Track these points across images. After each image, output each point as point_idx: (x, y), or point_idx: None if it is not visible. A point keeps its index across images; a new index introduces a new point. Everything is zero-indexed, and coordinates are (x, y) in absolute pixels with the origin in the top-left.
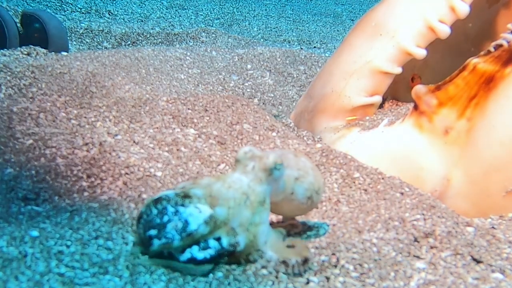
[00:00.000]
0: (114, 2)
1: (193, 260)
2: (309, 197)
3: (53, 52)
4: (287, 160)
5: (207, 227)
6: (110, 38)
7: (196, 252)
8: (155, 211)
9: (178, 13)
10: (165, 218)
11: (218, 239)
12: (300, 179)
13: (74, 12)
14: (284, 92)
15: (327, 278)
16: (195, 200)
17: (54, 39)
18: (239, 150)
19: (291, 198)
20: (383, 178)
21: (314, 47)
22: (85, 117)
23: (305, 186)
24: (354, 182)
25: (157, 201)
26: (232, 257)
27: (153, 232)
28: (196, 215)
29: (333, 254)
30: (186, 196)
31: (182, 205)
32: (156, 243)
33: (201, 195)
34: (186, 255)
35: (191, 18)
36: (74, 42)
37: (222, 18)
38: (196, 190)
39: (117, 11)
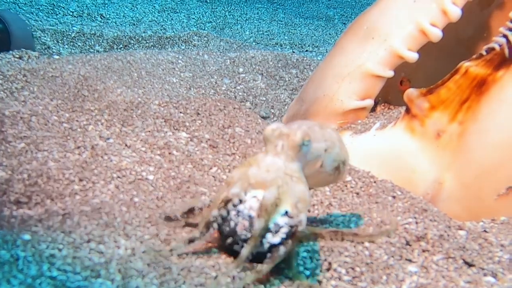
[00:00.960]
0: (106, 5)
1: (273, 247)
2: (337, 167)
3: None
4: (314, 133)
5: (268, 213)
6: (102, 42)
7: (271, 238)
8: (221, 222)
9: (170, 16)
10: (232, 224)
11: (284, 217)
12: (328, 151)
13: (66, 15)
14: (276, 96)
15: (319, 282)
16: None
17: (18, 40)
18: (266, 128)
19: (319, 171)
20: (375, 182)
21: (306, 50)
22: (77, 121)
23: (332, 157)
24: (346, 186)
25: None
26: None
27: (230, 241)
28: (256, 206)
29: (325, 258)
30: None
31: (240, 202)
32: (243, 251)
33: (238, 190)
34: (265, 246)
35: (183, 22)
36: (66, 46)
37: (214, 22)
38: (234, 189)
39: (109, 14)
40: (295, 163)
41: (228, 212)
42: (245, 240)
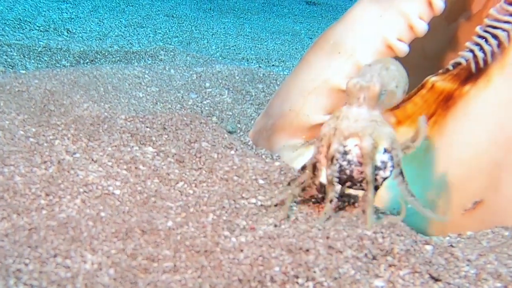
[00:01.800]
0: (73, 20)
1: (385, 179)
2: (404, 91)
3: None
4: (383, 78)
5: (371, 157)
6: (69, 56)
7: (383, 174)
8: (337, 174)
9: (137, 31)
10: (348, 172)
11: (385, 154)
12: (398, 85)
13: (32, 30)
14: (243, 110)
15: None
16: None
17: None
18: (348, 82)
19: (393, 102)
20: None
21: (273, 65)
22: (43, 135)
23: (401, 89)
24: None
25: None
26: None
27: (349, 185)
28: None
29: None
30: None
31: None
32: (369, 195)
33: (337, 146)
34: (380, 181)
35: (150, 36)
36: (33, 61)
37: (181, 37)
38: (335, 145)
39: (76, 29)
40: (376, 110)
41: (340, 166)
42: (361, 181)
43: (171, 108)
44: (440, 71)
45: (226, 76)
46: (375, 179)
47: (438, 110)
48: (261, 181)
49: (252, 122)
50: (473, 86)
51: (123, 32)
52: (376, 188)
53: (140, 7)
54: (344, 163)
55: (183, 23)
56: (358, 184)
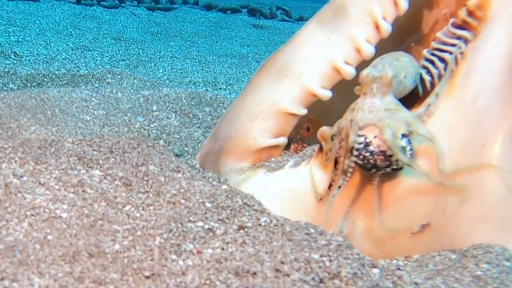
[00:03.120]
0: (20, 43)
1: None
2: (415, 80)
3: None
4: (395, 67)
5: (395, 146)
6: (16, 80)
7: (404, 157)
8: (362, 163)
9: (84, 54)
10: (372, 161)
11: (403, 139)
12: (407, 75)
13: None
14: (190, 134)
15: None
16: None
17: None
18: (361, 74)
19: (404, 91)
20: (289, 220)
21: (220, 88)
22: None
23: (411, 79)
24: (260, 224)
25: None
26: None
27: (374, 171)
28: (378, 142)
29: None
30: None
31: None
32: (404, 165)
33: (354, 137)
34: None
35: (97, 60)
36: None
37: (128, 60)
38: (354, 138)
39: (23, 52)
40: (388, 97)
41: (364, 157)
42: (386, 167)
43: (118, 131)
44: None
45: (173, 99)
46: (397, 163)
47: None
48: (208, 204)
49: (199, 145)
50: (419, 108)
51: (70, 55)
52: (397, 169)
53: (87, 30)
54: (367, 154)
55: (130, 46)
56: (383, 170)
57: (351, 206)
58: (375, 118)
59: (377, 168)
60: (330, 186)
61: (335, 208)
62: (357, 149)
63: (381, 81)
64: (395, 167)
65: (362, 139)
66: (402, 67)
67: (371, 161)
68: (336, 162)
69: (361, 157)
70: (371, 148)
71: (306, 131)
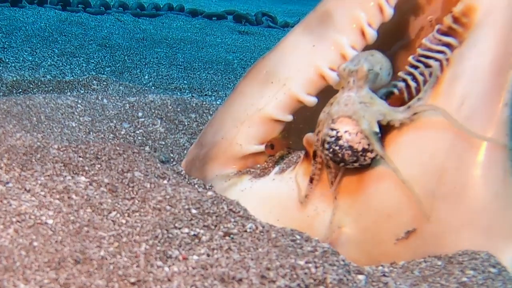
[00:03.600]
0: (5, 50)
1: (373, 159)
2: (389, 73)
3: None
4: (370, 62)
5: (371, 135)
6: (1, 86)
7: (370, 155)
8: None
9: (70, 60)
10: (340, 155)
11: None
12: (382, 68)
13: None
14: (175, 140)
15: None
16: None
17: None
18: (338, 68)
19: (380, 84)
20: (275, 226)
21: (206, 94)
22: None
23: (386, 71)
24: (245, 230)
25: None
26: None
27: (343, 165)
28: (350, 138)
29: None
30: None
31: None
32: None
33: (327, 130)
34: (367, 161)
35: (82, 66)
36: None
37: (113, 66)
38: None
39: (8, 58)
40: (364, 90)
41: (333, 150)
42: (353, 162)
43: (104, 138)
44: None
45: (158, 106)
46: (364, 159)
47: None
48: (194, 211)
49: (185, 151)
50: None
51: (56, 62)
52: (364, 165)
53: (73, 36)
54: (337, 148)
55: (115, 52)
56: (351, 164)
57: (335, 200)
58: (350, 111)
59: (345, 163)
60: (311, 180)
61: (320, 215)
62: (328, 142)
63: (357, 75)
64: (362, 163)
65: (333, 133)
66: (376, 61)
67: (339, 155)
68: (315, 155)
69: (331, 150)
70: (340, 142)
71: (270, 149)
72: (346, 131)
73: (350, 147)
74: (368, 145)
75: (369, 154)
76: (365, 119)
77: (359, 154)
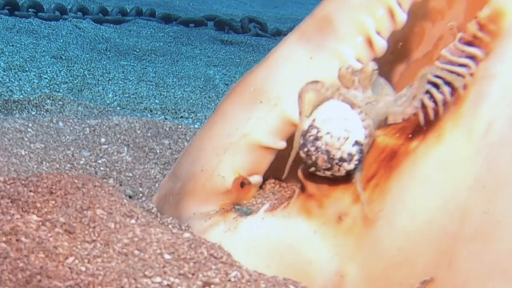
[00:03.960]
0: None
1: (348, 171)
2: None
3: None
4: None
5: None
6: None
7: (347, 166)
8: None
9: (18, 76)
10: (314, 158)
11: (356, 148)
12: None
13: None
14: (145, 171)
15: None
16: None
17: None
18: (340, 68)
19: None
20: (264, 274)
21: (181, 117)
22: None
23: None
24: (229, 280)
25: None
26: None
27: (313, 170)
28: (330, 141)
29: None
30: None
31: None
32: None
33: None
34: (342, 172)
35: (34, 82)
36: None
37: (71, 82)
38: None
39: None
40: (369, 91)
41: (308, 150)
42: (326, 170)
43: (60, 169)
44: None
45: (125, 130)
46: (338, 169)
47: (379, 171)
48: (167, 256)
49: (157, 185)
50: (422, 142)
51: (2, 77)
52: (337, 177)
53: (22, 47)
54: (312, 148)
55: (73, 66)
56: (322, 171)
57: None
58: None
59: (316, 168)
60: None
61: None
62: (305, 139)
63: (362, 74)
64: (336, 173)
65: (314, 131)
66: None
67: (313, 157)
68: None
69: (305, 149)
70: (318, 143)
71: (240, 187)
72: (328, 133)
73: (328, 152)
74: (348, 154)
75: (345, 165)
76: (371, 119)
77: (335, 162)
